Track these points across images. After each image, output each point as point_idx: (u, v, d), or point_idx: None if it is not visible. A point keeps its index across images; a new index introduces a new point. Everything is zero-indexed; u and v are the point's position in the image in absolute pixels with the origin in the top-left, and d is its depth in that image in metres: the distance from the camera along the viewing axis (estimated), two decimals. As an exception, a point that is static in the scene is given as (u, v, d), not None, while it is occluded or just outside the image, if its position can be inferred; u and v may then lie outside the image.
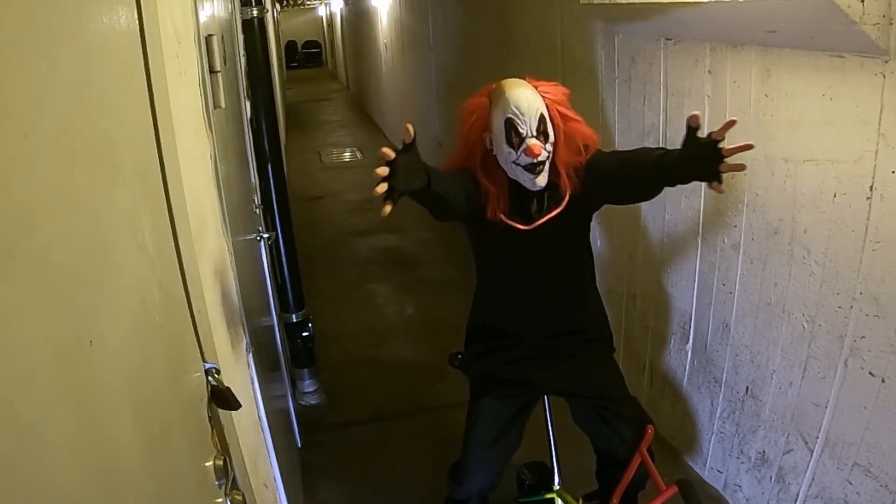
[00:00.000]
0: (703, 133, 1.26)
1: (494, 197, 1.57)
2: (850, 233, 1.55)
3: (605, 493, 1.85)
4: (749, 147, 1.19)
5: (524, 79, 1.56)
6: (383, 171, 1.22)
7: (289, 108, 11.52)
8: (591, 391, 1.72)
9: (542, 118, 1.49)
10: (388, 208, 1.23)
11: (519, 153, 1.48)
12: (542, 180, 1.51)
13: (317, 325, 3.02)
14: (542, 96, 1.52)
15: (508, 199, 1.58)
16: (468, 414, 1.74)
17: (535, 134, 1.48)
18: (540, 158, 1.48)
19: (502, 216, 1.58)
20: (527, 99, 1.48)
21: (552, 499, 1.80)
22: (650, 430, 1.66)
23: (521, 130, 1.47)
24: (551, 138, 1.51)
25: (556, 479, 1.80)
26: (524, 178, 1.52)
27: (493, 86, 1.56)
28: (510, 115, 1.47)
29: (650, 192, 1.56)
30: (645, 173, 1.44)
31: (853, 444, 1.64)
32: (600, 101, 2.58)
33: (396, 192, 1.24)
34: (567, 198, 1.58)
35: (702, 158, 1.24)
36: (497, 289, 1.72)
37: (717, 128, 1.21)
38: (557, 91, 1.56)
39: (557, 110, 1.53)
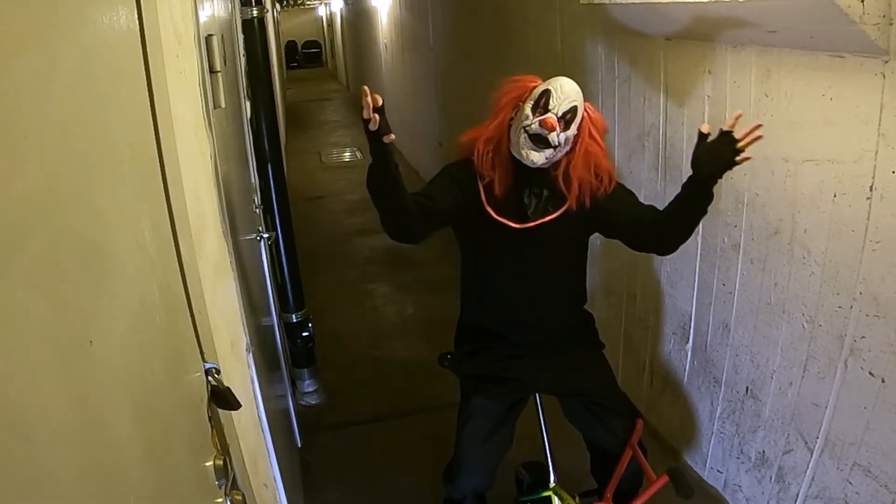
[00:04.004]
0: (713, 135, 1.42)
1: (498, 179, 1.59)
2: (850, 233, 1.55)
3: (602, 489, 1.85)
4: (757, 131, 1.36)
5: None
6: (377, 100, 1.31)
7: (289, 108, 11.52)
8: (580, 388, 1.73)
9: (573, 109, 1.53)
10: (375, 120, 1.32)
11: (535, 120, 1.52)
12: (537, 157, 1.54)
13: (317, 325, 3.02)
14: (585, 107, 1.58)
15: (507, 191, 1.60)
16: (459, 413, 1.75)
17: (560, 115, 1.52)
18: (548, 136, 1.51)
19: (492, 212, 1.60)
20: (571, 87, 1.55)
21: (549, 497, 1.80)
22: (639, 423, 1.69)
23: (550, 104, 1.52)
24: (572, 131, 1.55)
25: (552, 477, 1.80)
26: (524, 147, 1.54)
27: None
28: (550, 88, 1.53)
29: (666, 239, 1.62)
30: (668, 216, 1.56)
31: (853, 444, 1.64)
32: (600, 101, 2.58)
33: (382, 123, 1.34)
34: (566, 206, 1.61)
35: (717, 152, 1.40)
36: (485, 286, 1.73)
37: (724, 124, 1.40)
38: (598, 117, 1.62)
39: (589, 128, 1.58)
